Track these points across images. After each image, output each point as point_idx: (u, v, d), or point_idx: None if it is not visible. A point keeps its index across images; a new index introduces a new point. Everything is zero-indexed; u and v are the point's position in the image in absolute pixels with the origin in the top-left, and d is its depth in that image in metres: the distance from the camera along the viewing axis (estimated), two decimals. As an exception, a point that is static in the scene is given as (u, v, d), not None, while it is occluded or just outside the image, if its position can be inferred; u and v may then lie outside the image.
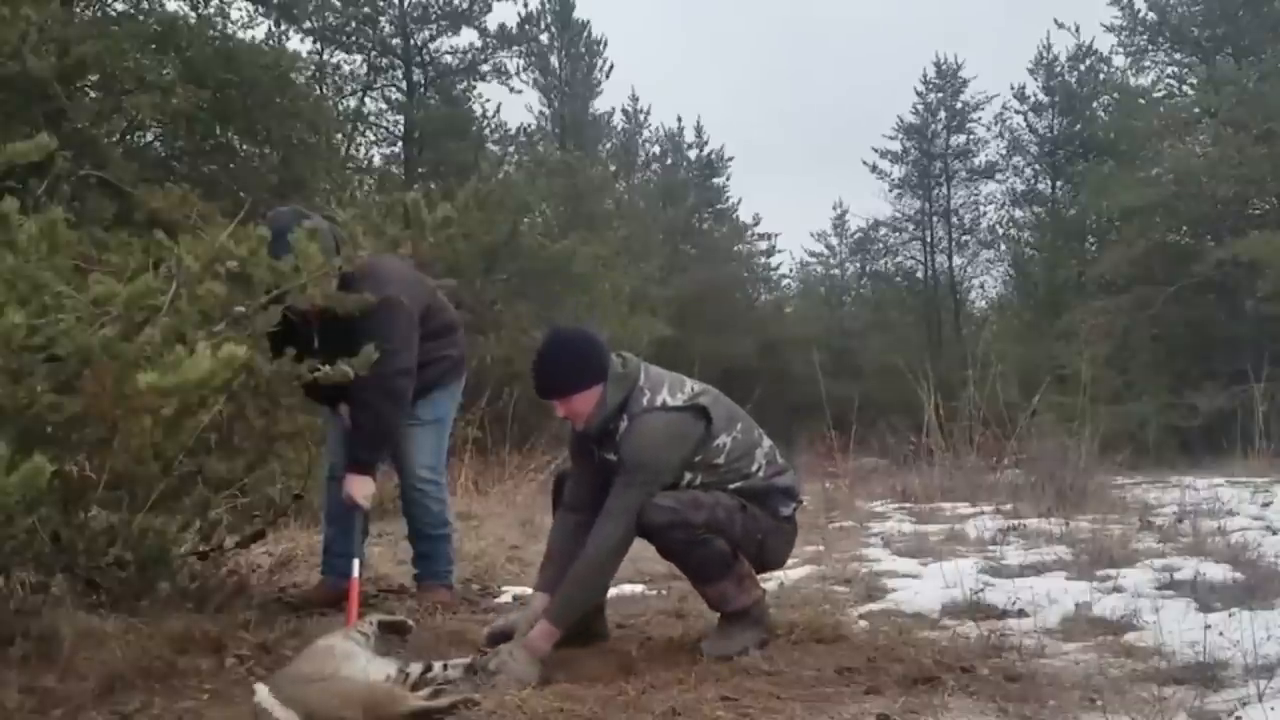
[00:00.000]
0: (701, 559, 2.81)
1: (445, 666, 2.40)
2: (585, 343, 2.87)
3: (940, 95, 31.72)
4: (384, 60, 21.08)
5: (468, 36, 21.41)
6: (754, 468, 2.92)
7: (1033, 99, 29.76)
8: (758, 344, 25.53)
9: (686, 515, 2.75)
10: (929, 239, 32.54)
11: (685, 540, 2.77)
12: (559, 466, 3.23)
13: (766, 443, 2.99)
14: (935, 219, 32.28)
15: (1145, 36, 23.98)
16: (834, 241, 34.68)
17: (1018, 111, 30.11)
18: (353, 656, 2.30)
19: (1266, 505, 6.31)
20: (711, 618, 3.39)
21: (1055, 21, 32.69)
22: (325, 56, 19.58)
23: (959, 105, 31.46)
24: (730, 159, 31.55)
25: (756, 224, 31.09)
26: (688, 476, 2.83)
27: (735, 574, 2.86)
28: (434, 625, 3.24)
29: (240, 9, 13.61)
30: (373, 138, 20.83)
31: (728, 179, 31.86)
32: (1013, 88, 30.12)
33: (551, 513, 3.19)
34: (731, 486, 2.86)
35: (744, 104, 53.19)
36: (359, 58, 20.54)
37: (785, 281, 34.81)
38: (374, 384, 3.15)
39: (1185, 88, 23.25)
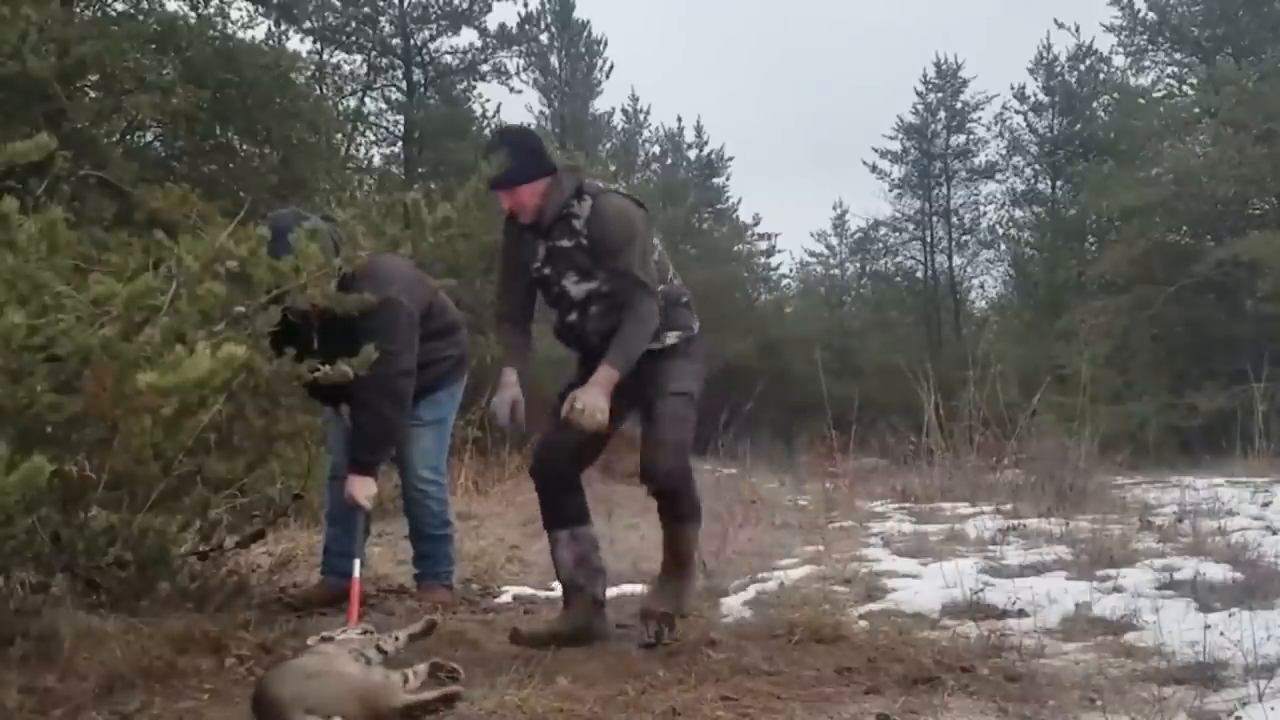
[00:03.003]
0: (692, 499, 3.11)
1: (415, 674, 2.38)
2: (534, 138, 3.06)
3: (940, 95, 31.71)
4: (384, 60, 21.08)
5: (468, 36, 21.44)
6: (670, 275, 3.16)
7: (1033, 99, 29.76)
8: (758, 344, 25.49)
9: (689, 464, 3.05)
10: (929, 239, 32.53)
11: (687, 481, 3.05)
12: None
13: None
14: (935, 219, 32.26)
15: (1145, 36, 23.97)
16: (834, 241, 34.69)
17: (1018, 111, 30.12)
18: (348, 658, 2.30)
19: (1266, 505, 6.31)
20: (712, 618, 3.41)
21: (1055, 21, 32.76)
22: (325, 56, 19.58)
23: (959, 105, 31.45)
24: (730, 159, 31.61)
25: (756, 224, 31.12)
26: None
27: (699, 520, 3.20)
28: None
29: (240, 9, 13.61)
30: (373, 138, 20.85)
31: (728, 179, 31.91)
32: (1013, 88, 30.11)
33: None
34: (660, 288, 3.03)
35: (744, 104, 53.23)
36: (359, 58, 20.56)
37: (785, 281, 34.83)
38: (375, 385, 3.15)
39: (1185, 88, 23.22)
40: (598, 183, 3.07)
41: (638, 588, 4.19)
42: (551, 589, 3.89)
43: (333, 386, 2.99)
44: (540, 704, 2.30)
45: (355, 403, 3.34)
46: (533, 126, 25.29)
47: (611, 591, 3.97)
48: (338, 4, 18.72)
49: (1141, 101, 23.32)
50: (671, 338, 3.09)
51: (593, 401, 2.83)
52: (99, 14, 10.51)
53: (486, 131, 20.84)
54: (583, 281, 3.03)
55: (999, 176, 30.97)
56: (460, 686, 2.30)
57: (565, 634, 3.03)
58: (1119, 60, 26.08)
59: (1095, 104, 28.19)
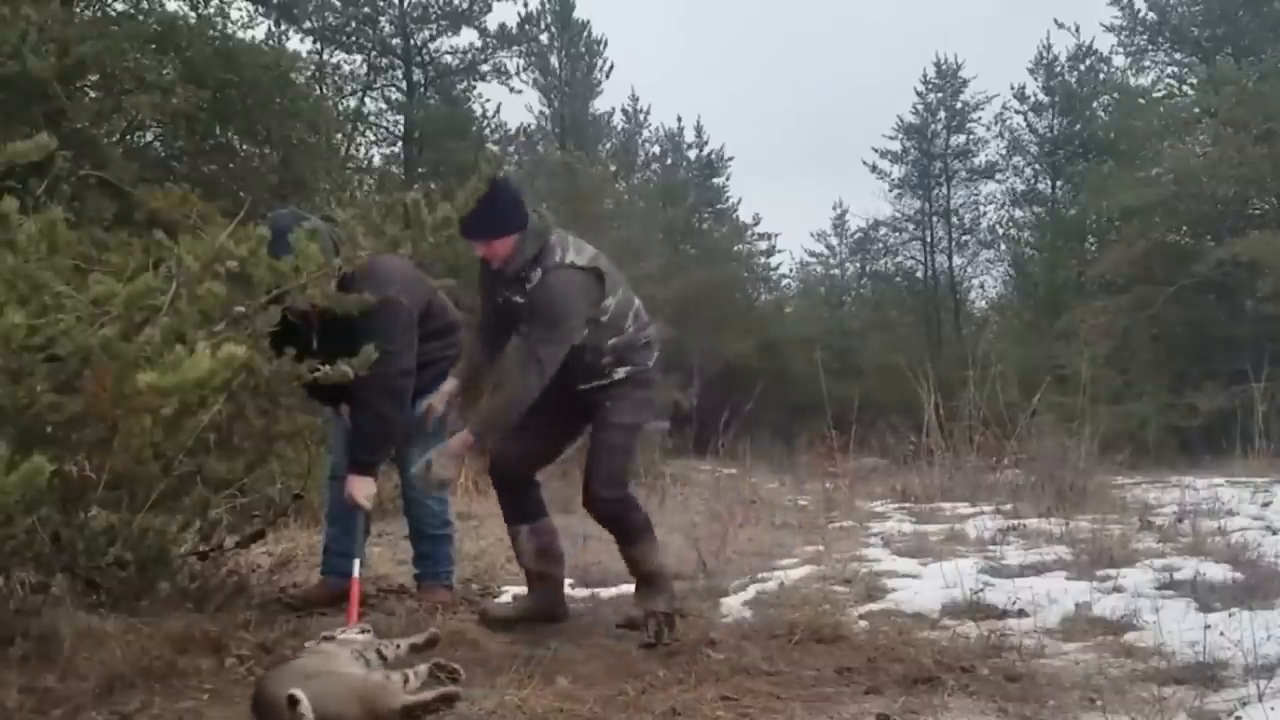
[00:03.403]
0: (632, 523, 3.28)
1: (415, 674, 2.40)
2: (511, 194, 3.15)
3: (940, 95, 31.67)
4: (384, 60, 21.10)
5: (468, 36, 21.45)
6: (627, 324, 3.28)
7: (1033, 99, 29.73)
8: (758, 344, 25.47)
9: (624, 493, 3.27)
10: (929, 239, 32.50)
11: (622, 506, 3.26)
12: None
13: (636, 302, 3.37)
14: (935, 219, 32.23)
15: (1145, 36, 23.94)
16: (834, 241, 34.66)
17: (1018, 111, 30.08)
18: (349, 658, 2.30)
19: (1266, 505, 6.31)
20: (712, 618, 3.42)
21: (1055, 21, 32.73)
22: (325, 56, 19.60)
23: (959, 105, 31.42)
24: (730, 159, 31.53)
25: (756, 224, 31.03)
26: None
27: (652, 535, 3.33)
28: (434, 625, 3.23)
29: (240, 9, 13.62)
30: (373, 138, 20.86)
31: (727, 179, 31.84)
32: (1013, 88, 30.08)
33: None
34: (610, 342, 3.22)
35: (744, 104, 53.15)
36: (359, 58, 20.58)
37: (785, 281, 34.78)
38: (375, 385, 3.15)
39: (1185, 88, 23.20)
40: (556, 255, 3.15)
41: (638, 588, 4.19)
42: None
43: (332, 386, 2.99)
44: (540, 704, 2.30)
45: (355, 403, 3.34)
46: (532, 127, 25.42)
47: (611, 591, 3.99)
48: (338, 4, 18.74)
49: (1141, 101, 23.29)
50: (620, 373, 3.27)
51: (437, 472, 3.09)
52: (99, 14, 10.51)
53: (486, 131, 20.93)
54: None
55: (999, 176, 30.99)
56: (459, 687, 2.30)
57: (531, 614, 3.32)
58: (1119, 60, 26.10)
59: (1095, 104, 28.17)
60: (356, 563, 3.18)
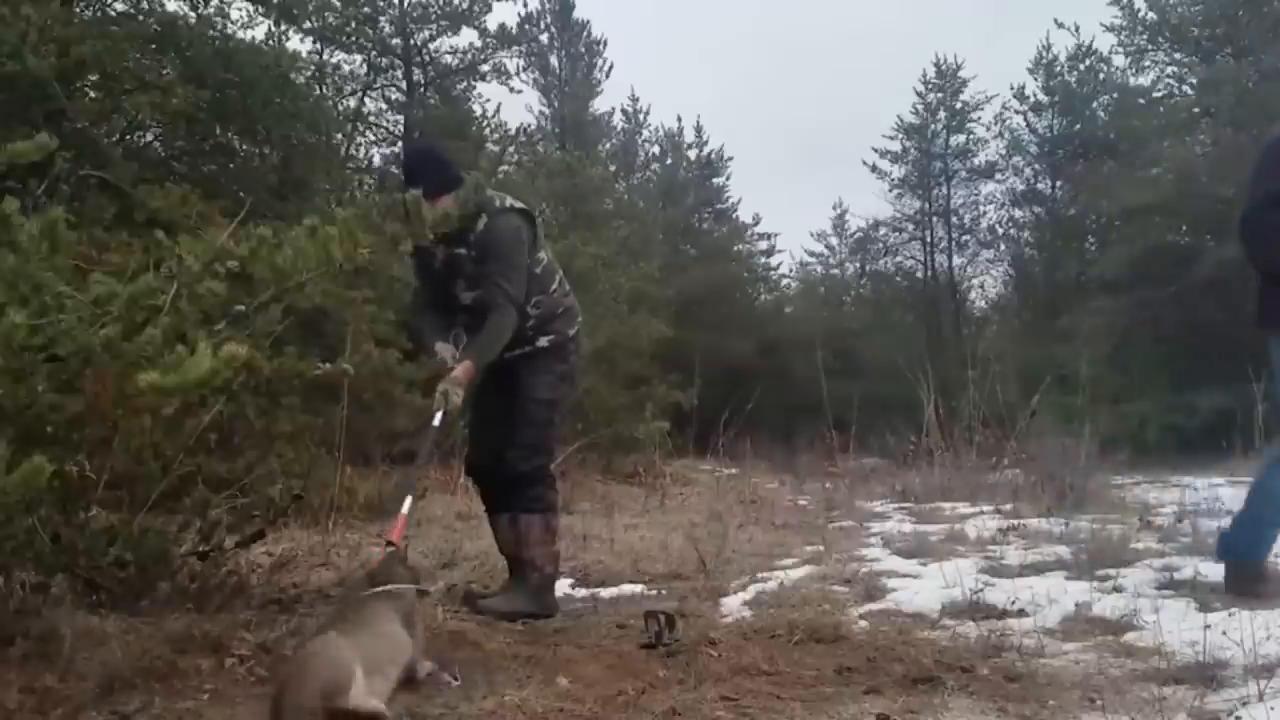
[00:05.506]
0: (537, 496, 3.47)
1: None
2: (441, 151, 3.52)
3: (940, 95, 31.64)
4: (384, 60, 21.05)
5: (468, 36, 21.39)
6: (554, 286, 3.57)
7: (1032, 99, 29.68)
8: (758, 344, 25.48)
9: (542, 463, 3.48)
10: (929, 239, 32.50)
11: (539, 475, 3.47)
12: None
13: (560, 271, 3.66)
14: (935, 219, 32.22)
15: (1145, 36, 23.90)
16: (834, 241, 34.66)
17: (1017, 111, 30.06)
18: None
19: (1266, 505, 6.29)
20: (712, 618, 3.41)
21: (1055, 21, 32.69)
22: (325, 56, 19.54)
23: (959, 105, 31.37)
24: (730, 159, 31.48)
25: (756, 224, 31.03)
26: None
27: (551, 526, 3.50)
28: (434, 625, 3.23)
29: (240, 9, 13.53)
30: (373, 138, 20.79)
31: (727, 179, 31.77)
32: (1012, 88, 30.05)
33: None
34: (536, 298, 3.46)
35: (744, 104, 53.17)
36: (359, 58, 20.50)
37: (785, 281, 34.76)
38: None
39: (1185, 88, 23.20)
40: (495, 201, 3.40)
41: (638, 588, 4.20)
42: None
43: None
44: (540, 704, 2.30)
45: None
46: (532, 127, 25.44)
47: (611, 591, 3.99)
48: (338, 4, 18.69)
49: (1141, 101, 23.30)
50: (543, 342, 3.49)
51: (452, 400, 3.23)
52: (99, 14, 10.49)
53: (486, 131, 20.93)
54: (469, 290, 3.43)
55: (999, 176, 30.96)
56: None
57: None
58: (1119, 60, 26.06)
59: (1095, 104, 28.17)
60: (409, 499, 3.08)
